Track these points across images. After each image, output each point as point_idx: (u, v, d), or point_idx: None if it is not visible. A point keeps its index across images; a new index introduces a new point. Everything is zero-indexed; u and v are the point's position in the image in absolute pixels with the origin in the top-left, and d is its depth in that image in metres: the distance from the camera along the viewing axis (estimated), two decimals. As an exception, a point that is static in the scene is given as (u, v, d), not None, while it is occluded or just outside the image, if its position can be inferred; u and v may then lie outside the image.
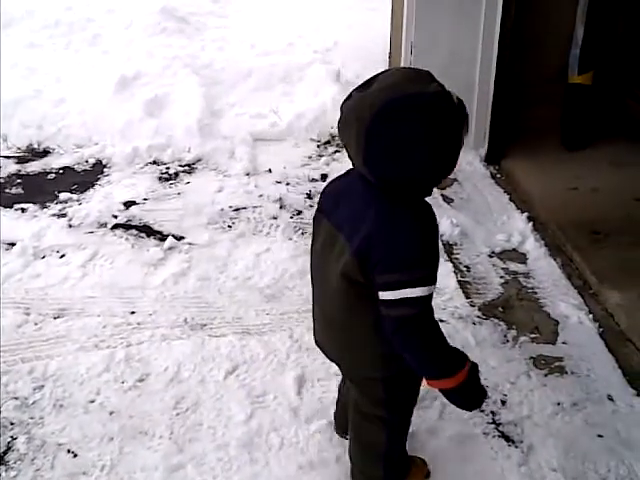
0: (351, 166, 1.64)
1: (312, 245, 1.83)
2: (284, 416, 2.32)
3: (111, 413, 2.37)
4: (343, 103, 1.56)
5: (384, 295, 1.58)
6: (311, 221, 3.47)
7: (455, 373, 1.64)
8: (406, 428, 2.01)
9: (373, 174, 1.55)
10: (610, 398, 2.41)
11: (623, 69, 4.19)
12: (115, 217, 3.52)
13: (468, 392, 1.70)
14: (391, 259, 1.56)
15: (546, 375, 2.51)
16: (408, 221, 1.58)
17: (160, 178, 3.98)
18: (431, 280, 1.58)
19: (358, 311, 1.70)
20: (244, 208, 3.65)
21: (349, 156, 1.58)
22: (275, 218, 3.56)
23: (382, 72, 1.58)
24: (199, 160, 4.17)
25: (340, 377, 2.17)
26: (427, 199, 1.66)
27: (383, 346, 1.67)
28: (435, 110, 1.48)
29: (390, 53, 4.73)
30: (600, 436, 2.25)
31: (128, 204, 3.66)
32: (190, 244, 3.32)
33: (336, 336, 1.83)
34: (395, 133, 1.47)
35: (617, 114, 4.27)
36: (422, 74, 1.54)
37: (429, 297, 1.59)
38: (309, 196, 3.80)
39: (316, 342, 1.94)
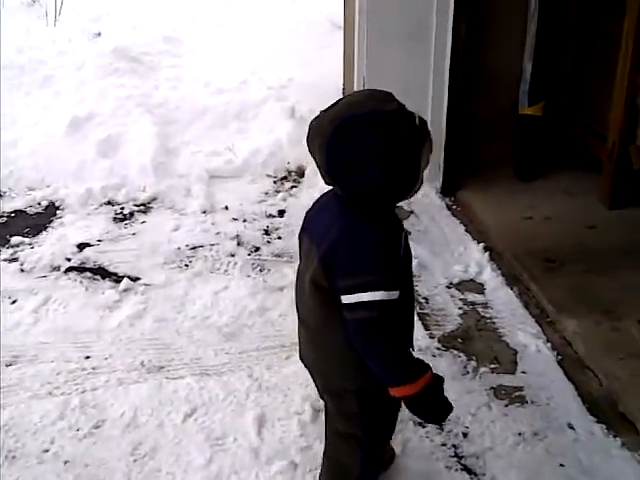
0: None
1: (298, 263, 1.91)
2: (244, 458, 2.27)
3: (66, 462, 2.29)
4: (311, 121, 1.68)
5: (345, 299, 1.65)
6: (269, 257, 3.53)
7: (415, 379, 1.67)
8: (379, 458, 2.00)
9: (337, 185, 1.69)
10: (570, 426, 2.41)
11: (572, 100, 4.29)
12: (69, 260, 3.46)
13: (430, 402, 1.71)
14: (351, 263, 1.64)
15: (507, 405, 2.50)
16: (369, 230, 1.67)
17: (115, 219, 3.93)
18: (390, 286, 1.64)
19: (329, 319, 1.75)
20: (201, 246, 3.62)
21: (319, 172, 1.69)
22: (233, 255, 3.53)
23: (350, 93, 1.72)
24: (154, 199, 4.14)
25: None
26: None
27: (355, 354, 1.70)
28: (391, 126, 1.58)
29: (344, 88, 4.78)
30: (562, 465, 2.25)
31: (82, 246, 3.60)
32: (146, 285, 3.27)
33: (313, 346, 1.89)
34: (353, 147, 1.58)
35: (568, 144, 4.36)
36: (383, 94, 1.66)
37: (389, 302, 1.63)
38: (267, 232, 3.79)
39: (301, 359, 1.99)
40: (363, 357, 1.69)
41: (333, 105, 1.66)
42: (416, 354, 2.68)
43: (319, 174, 1.70)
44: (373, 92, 1.70)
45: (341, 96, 4.84)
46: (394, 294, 1.64)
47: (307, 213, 1.89)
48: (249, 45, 6.10)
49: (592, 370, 2.69)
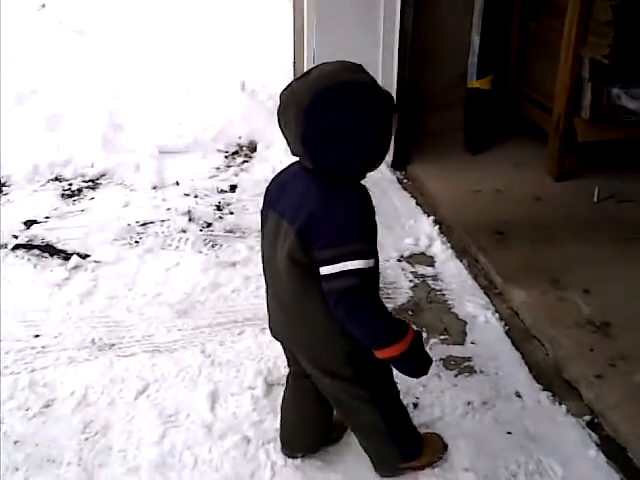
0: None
1: (262, 241, 1.92)
2: (197, 434, 2.28)
3: (16, 442, 2.27)
4: (282, 92, 1.71)
5: (325, 270, 1.68)
6: (221, 233, 3.51)
7: (402, 337, 1.74)
8: (396, 405, 2.06)
9: (311, 156, 1.69)
10: (518, 395, 2.47)
11: (519, 73, 4.34)
12: (16, 237, 3.40)
13: (417, 356, 1.80)
14: (331, 234, 1.67)
15: (456, 375, 2.55)
16: (345, 199, 1.71)
17: (63, 195, 3.86)
18: (370, 254, 1.70)
19: (309, 293, 1.77)
20: (152, 222, 3.58)
21: (287, 143, 1.72)
22: (184, 231, 3.51)
23: (320, 64, 1.76)
24: (103, 175, 4.07)
25: (277, 394, 2.27)
26: None
27: (337, 322, 1.75)
28: (366, 96, 1.67)
29: (294, 62, 4.74)
30: (509, 433, 2.30)
31: (29, 223, 3.54)
32: (96, 262, 3.23)
33: (294, 322, 1.89)
34: (330, 115, 1.63)
35: (516, 116, 4.41)
36: (355, 65, 1.73)
37: (369, 270, 1.69)
38: (218, 208, 3.76)
39: (274, 336, 2.02)
40: (347, 326, 1.73)
41: (305, 75, 1.71)
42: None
43: (282, 148, 1.72)
44: (345, 63, 1.74)
45: (292, 70, 4.81)
46: (372, 262, 1.70)
47: (268, 189, 1.89)
48: (199, 18, 6.01)
49: (538, 339, 2.75)
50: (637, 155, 3.95)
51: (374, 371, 1.94)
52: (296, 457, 2.18)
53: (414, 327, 1.80)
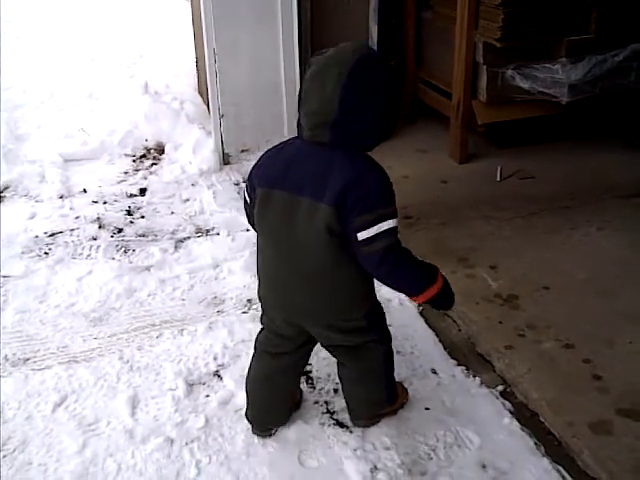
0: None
1: (261, 220, 1.93)
2: (119, 440, 2.26)
3: None
4: (313, 58, 1.80)
5: (365, 233, 1.78)
6: (133, 238, 3.45)
7: (436, 278, 1.92)
8: (391, 349, 2.20)
9: (340, 122, 1.73)
10: (434, 371, 2.54)
11: (418, 60, 4.45)
12: None
13: (448, 291, 1.98)
14: (367, 200, 1.76)
15: (374, 358, 2.60)
16: (372, 167, 1.82)
17: (-35, 211, 3.75)
18: (396, 214, 1.83)
19: (342, 261, 1.87)
20: (60, 232, 3.52)
21: (305, 114, 1.78)
22: (95, 239, 3.46)
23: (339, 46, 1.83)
24: (7, 188, 3.98)
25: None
26: None
27: (364, 286, 1.97)
28: (392, 71, 1.84)
29: (197, 61, 4.73)
30: (427, 409, 2.36)
31: None
32: (4, 277, 3.15)
33: (316, 289, 1.94)
34: (370, 78, 1.73)
35: (417, 102, 4.52)
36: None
37: (397, 229, 1.83)
38: (129, 212, 3.72)
39: (272, 307, 2.08)
40: (389, 282, 1.90)
41: (327, 50, 1.78)
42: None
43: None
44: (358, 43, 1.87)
45: (195, 69, 4.76)
46: (398, 221, 1.83)
47: (260, 171, 1.91)
48: (97, 21, 5.91)
49: (451, 317, 2.83)
50: (536, 133, 4.11)
51: (381, 319, 2.16)
52: (270, 434, 2.24)
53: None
